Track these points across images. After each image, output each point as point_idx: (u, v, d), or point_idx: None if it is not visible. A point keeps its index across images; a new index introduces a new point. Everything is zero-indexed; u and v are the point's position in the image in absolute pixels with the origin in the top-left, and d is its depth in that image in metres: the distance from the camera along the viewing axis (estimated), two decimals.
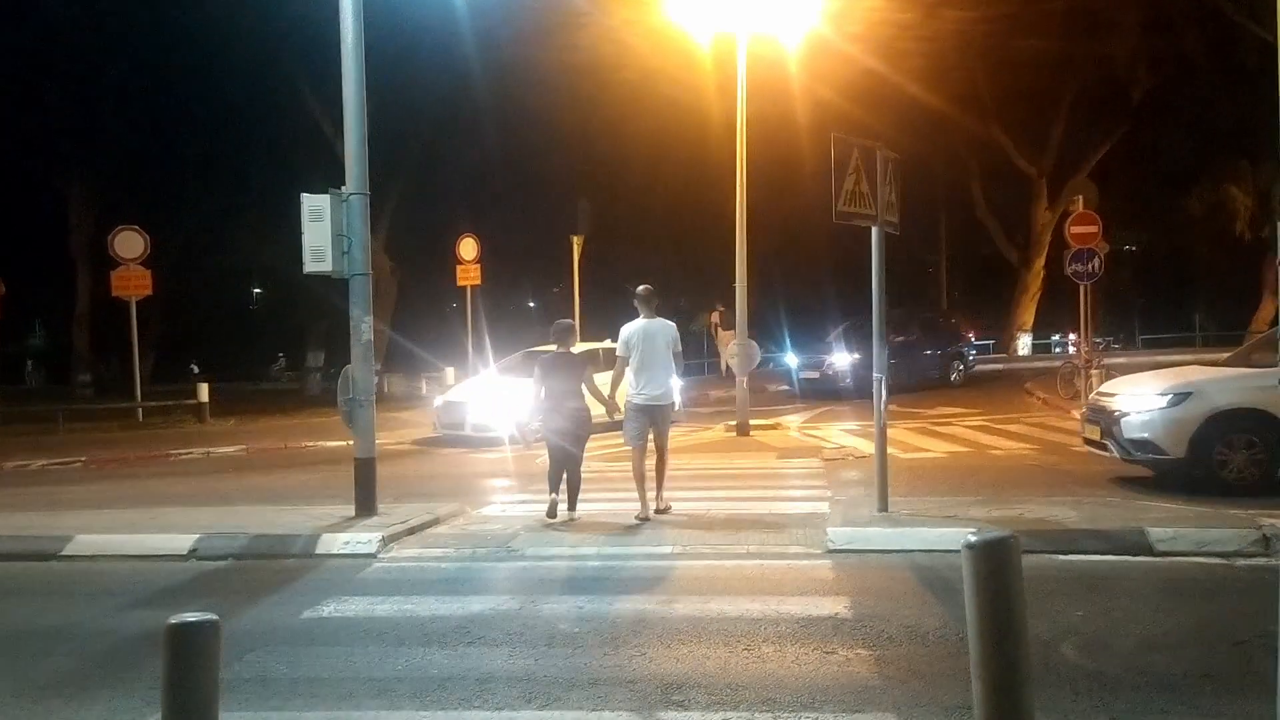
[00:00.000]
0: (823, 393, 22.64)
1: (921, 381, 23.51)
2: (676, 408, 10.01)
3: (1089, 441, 11.43)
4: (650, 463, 9.74)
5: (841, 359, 23.23)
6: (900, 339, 23.32)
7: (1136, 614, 6.18)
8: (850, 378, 22.54)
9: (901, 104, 26.82)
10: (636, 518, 9.39)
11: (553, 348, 9.93)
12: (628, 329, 9.62)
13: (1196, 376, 11.01)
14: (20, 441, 19.28)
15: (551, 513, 9.41)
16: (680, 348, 9.72)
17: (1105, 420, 10.89)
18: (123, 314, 22.82)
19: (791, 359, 20.82)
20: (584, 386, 9.60)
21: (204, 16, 24.17)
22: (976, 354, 27.84)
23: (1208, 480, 10.04)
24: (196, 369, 40.41)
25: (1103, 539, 7.78)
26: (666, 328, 9.62)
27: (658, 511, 9.59)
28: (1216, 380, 10.67)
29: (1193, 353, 25.93)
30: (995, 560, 3.49)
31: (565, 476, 9.52)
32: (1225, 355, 12.44)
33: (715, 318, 29.15)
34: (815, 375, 23.53)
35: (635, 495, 9.49)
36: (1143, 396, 10.66)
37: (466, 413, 17.24)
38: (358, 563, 8.22)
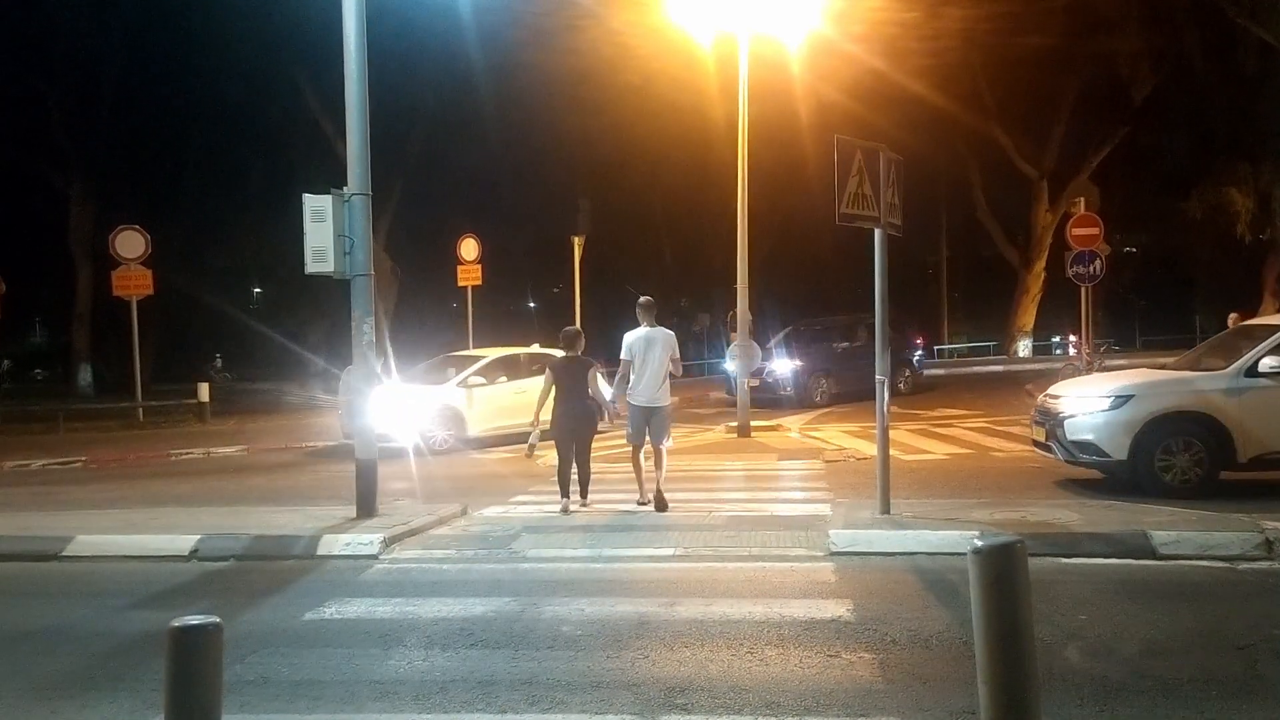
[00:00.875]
0: (761, 402, 20.50)
1: (864, 391, 21.73)
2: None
3: (1036, 444, 11.47)
4: (650, 461, 10.28)
5: (782, 366, 22.05)
6: (845, 345, 22.75)
7: (1140, 618, 6.17)
8: (791, 385, 21.68)
9: (903, 104, 26.83)
10: (638, 503, 10.17)
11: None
12: (630, 336, 10.14)
13: (1139, 379, 11.14)
14: (20, 441, 19.28)
15: (565, 512, 9.97)
16: (679, 354, 10.28)
17: (1050, 422, 10.94)
18: (123, 313, 22.82)
19: (730, 365, 19.34)
20: (589, 387, 10.19)
21: (206, 16, 24.21)
22: (925, 360, 26.57)
23: (1150, 482, 10.09)
24: (219, 363, 40.55)
25: (1106, 542, 7.77)
26: (666, 336, 10.20)
27: (656, 504, 9.99)
28: (1159, 383, 10.78)
29: None
30: (1001, 565, 3.48)
31: (576, 470, 10.13)
32: (1172, 359, 12.49)
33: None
34: (754, 383, 20.82)
35: (627, 495, 10.25)
36: (1086, 399, 10.74)
37: None
38: (359, 564, 8.21)
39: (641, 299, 10.33)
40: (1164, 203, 35.79)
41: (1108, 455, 10.33)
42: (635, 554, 8.25)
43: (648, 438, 10.12)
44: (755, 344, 18.30)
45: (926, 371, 26.60)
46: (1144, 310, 45.13)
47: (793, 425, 18.33)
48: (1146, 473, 10.12)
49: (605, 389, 11.02)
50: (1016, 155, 33.43)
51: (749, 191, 17.66)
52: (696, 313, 43.58)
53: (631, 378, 10.10)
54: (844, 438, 16.23)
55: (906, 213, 9.36)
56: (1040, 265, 35.12)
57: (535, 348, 18.16)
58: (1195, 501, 9.28)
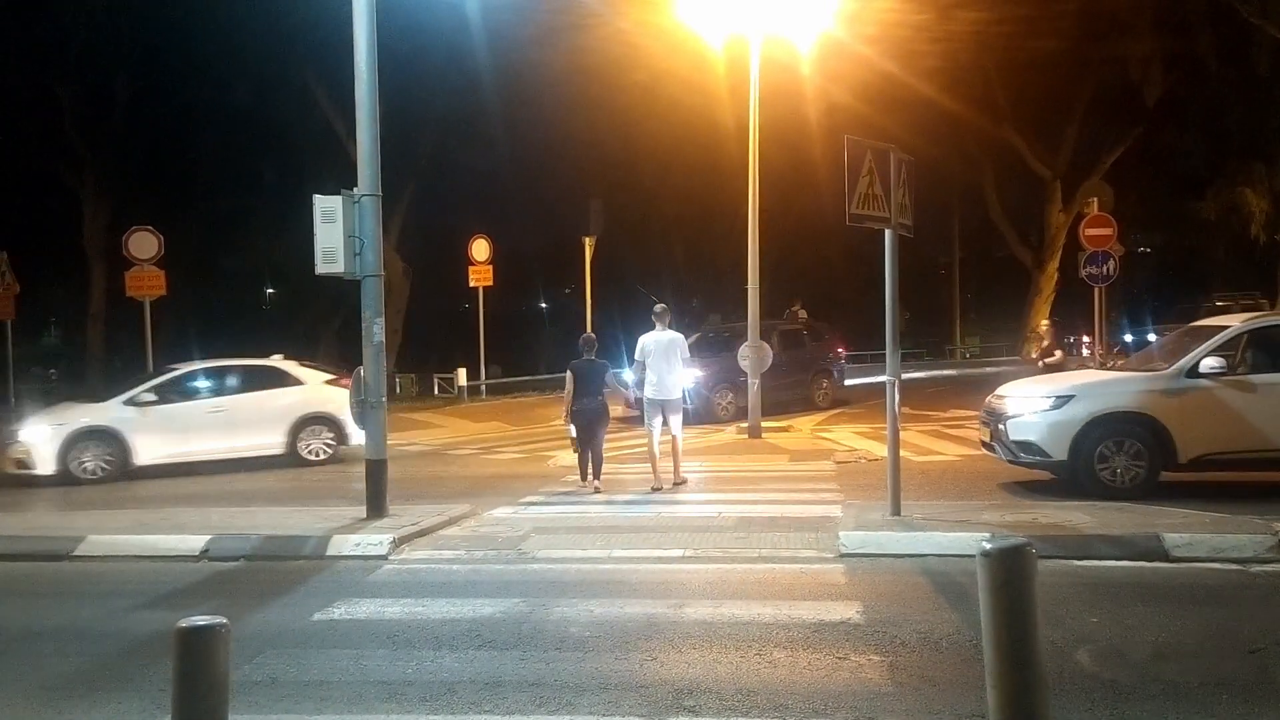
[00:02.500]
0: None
1: (777, 405, 18.78)
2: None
3: (984, 444, 11.47)
4: (666, 447, 11.69)
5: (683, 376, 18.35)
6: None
7: (1151, 621, 6.13)
8: (692, 397, 16.65)
9: (915, 106, 26.75)
10: (651, 489, 11.36)
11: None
12: (646, 339, 11.59)
13: (1080, 380, 11.22)
14: None
15: (587, 488, 11.49)
16: (689, 355, 11.84)
17: (994, 422, 10.95)
18: (136, 313, 22.90)
19: (628, 375, 16.84)
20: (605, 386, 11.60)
21: (217, 18, 24.27)
22: (844, 369, 23.10)
23: (1089, 483, 10.08)
24: None
25: (1117, 545, 7.73)
26: (677, 339, 11.67)
27: (676, 484, 11.52)
28: (1099, 384, 10.83)
29: None
30: (1010, 568, 3.46)
31: (591, 455, 11.46)
32: (1126, 360, 12.49)
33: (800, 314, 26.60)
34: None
35: (637, 496, 10.96)
36: (1029, 399, 10.77)
37: None
38: (369, 564, 8.22)
39: (656, 306, 11.92)
40: (1178, 203, 35.59)
41: (1049, 455, 10.34)
42: (644, 555, 8.24)
43: (664, 426, 11.51)
44: (767, 345, 18.26)
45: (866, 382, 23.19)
46: (1158, 310, 44.91)
47: (804, 426, 18.27)
48: (1086, 473, 10.13)
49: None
50: (1030, 156, 33.29)
51: (760, 193, 17.62)
52: (708, 313, 43.51)
53: (648, 375, 11.44)
54: (855, 439, 16.17)
55: (918, 213, 9.33)
56: (1053, 266, 34.95)
57: (276, 359, 16.17)
58: (1144, 502, 9.30)
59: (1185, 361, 10.18)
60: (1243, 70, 27.06)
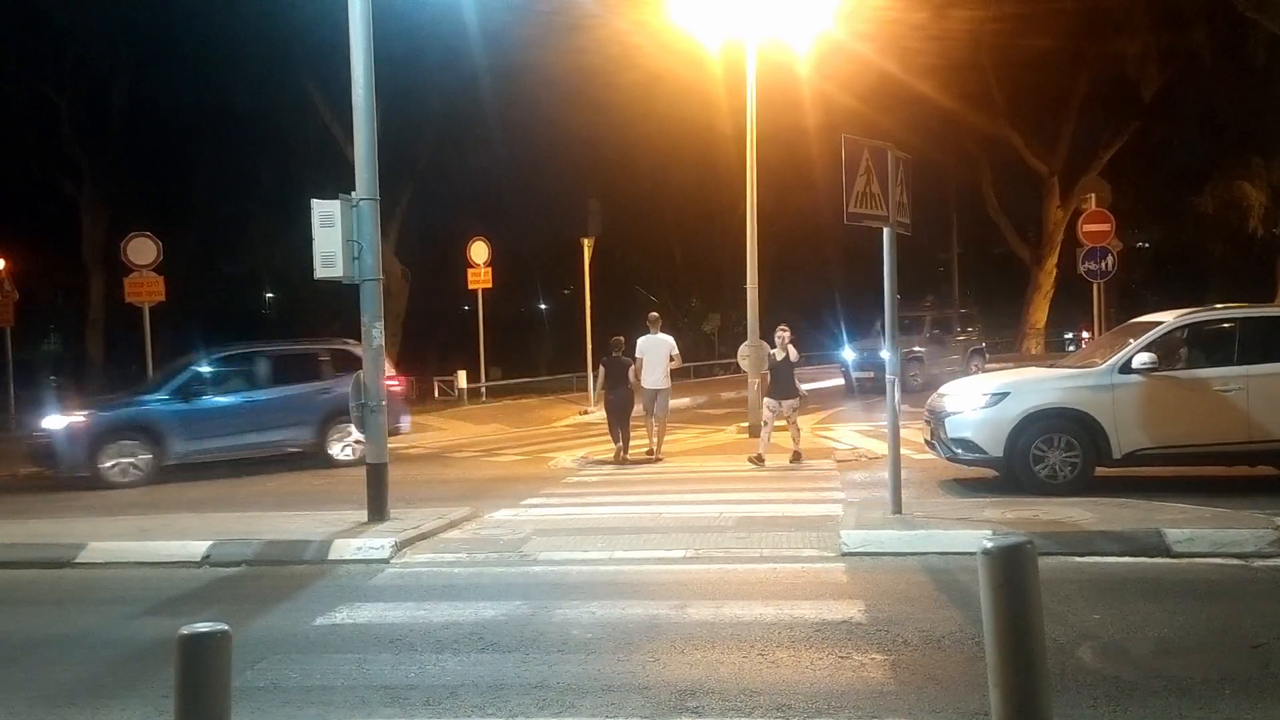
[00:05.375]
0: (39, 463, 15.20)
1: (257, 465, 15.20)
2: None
3: (926, 443, 11.54)
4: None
5: (57, 422, 14.47)
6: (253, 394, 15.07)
7: (1153, 617, 6.13)
8: (74, 452, 14.02)
9: (912, 104, 26.74)
10: (646, 452, 14.45)
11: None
12: (642, 340, 14.51)
13: (1016, 377, 11.39)
14: None
15: (617, 456, 14.33)
16: (677, 353, 14.62)
17: (934, 421, 11.03)
18: (135, 319, 22.90)
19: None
20: (630, 375, 14.33)
21: (215, 24, 24.26)
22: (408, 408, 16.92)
23: (1025, 478, 10.16)
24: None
25: (1119, 540, 7.73)
26: (666, 340, 14.56)
27: (652, 455, 14.37)
28: (1034, 380, 10.98)
29: None
30: (1011, 566, 3.46)
31: (621, 432, 14.34)
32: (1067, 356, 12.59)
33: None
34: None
35: (641, 498, 11.21)
36: (966, 396, 10.86)
37: None
38: (370, 568, 8.22)
39: (651, 314, 15.22)
40: (1176, 197, 35.57)
41: (984, 452, 10.43)
42: (646, 556, 8.24)
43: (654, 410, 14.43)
44: (765, 344, 18.25)
45: None
46: (1157, 305, 44.85)
47: (804, 426, 18.25)
48: (1022, 468, 10.21)
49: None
50: (1027, 152, 33.27)
51: (758, 192, 17.63)
52: (707, 313, 43.54)
53: (643, 370, 14.28)
54: (856, 437, 16.19)
55: (916, 211, 9.34)
56: (1052, 262, 34.94)
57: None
58: (1085, 497, 9.36)
59: (1119, 358, 10.28)
60: (1238, 64, 27.05)
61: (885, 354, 9.19)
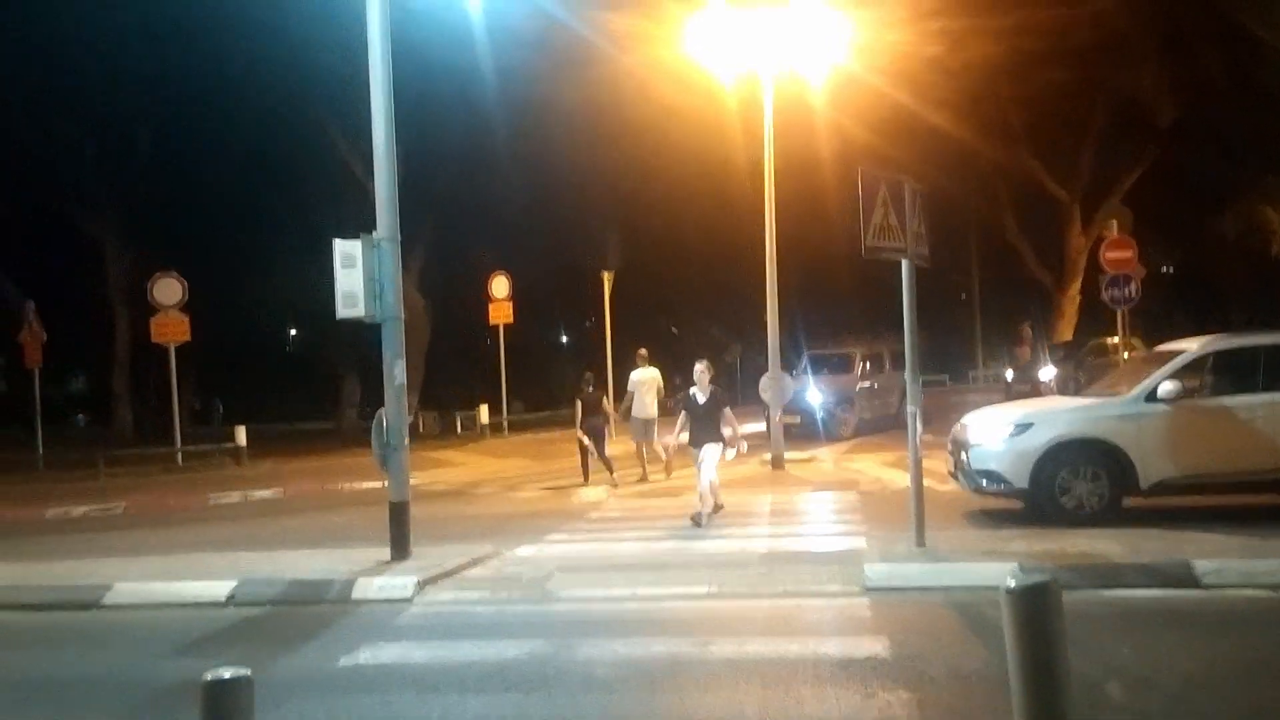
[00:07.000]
0: None
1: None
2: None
3: (950, 473, 11.39)
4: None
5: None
6: None
7: (1183, 650, 6.06)
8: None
9: (928, 134, 26.73)
10: (638, 480, 15.49)
11: None
12: (635, 374, 16.29)
13: (1040, 406, 11.26)
14: (63, 488, 19.50)
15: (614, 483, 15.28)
16: (662, 384, 16.41)
17: (958, 451, 10.90)
18: (161, 357, 23.15)
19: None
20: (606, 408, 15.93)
21: (238, 66, 24.64)
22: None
23: (1051, 510, 10.01)
24: (221, 408, 40.47)
25: (1147, 573, 7.64)
26: (655, 374, 16.30)
27: (641, 479, 15.53)
28: (1059, 410, 10.90)
29: None
30: (1036, 605, 3.44)
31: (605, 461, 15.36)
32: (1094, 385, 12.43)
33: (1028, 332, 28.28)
34: None
35: (663, 532, 11.08)
36: (990, 427, 10.73)
37: None
38: (394, 607, 8.22)
39: (640, 350, 16.96)
40: (1198, 222, 35.38)
41: (1009, 483, 10.31)
42: (669, 593, 8.20)
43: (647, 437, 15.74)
44: (788, 375, 18.24)
45: None
46: (1182, 328, 44.45)
47: (827, 457, 18.21)
48: (1047, 500, 10.07)
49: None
50: (1047, 179, 33.17)
51: (777, 223, 17.69)
52: (729, 342, 43.49)
53: (636, 401, 15.89)
54: (880, 468, 16.10)
55: (935, 240, 9.34)
56: (1075, 288, 34.73)
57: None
58: (1112, 529, 9.22)
59: (1144, 386, 10.17)
60: (1255, 88, 26.95)
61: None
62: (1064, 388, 22.77)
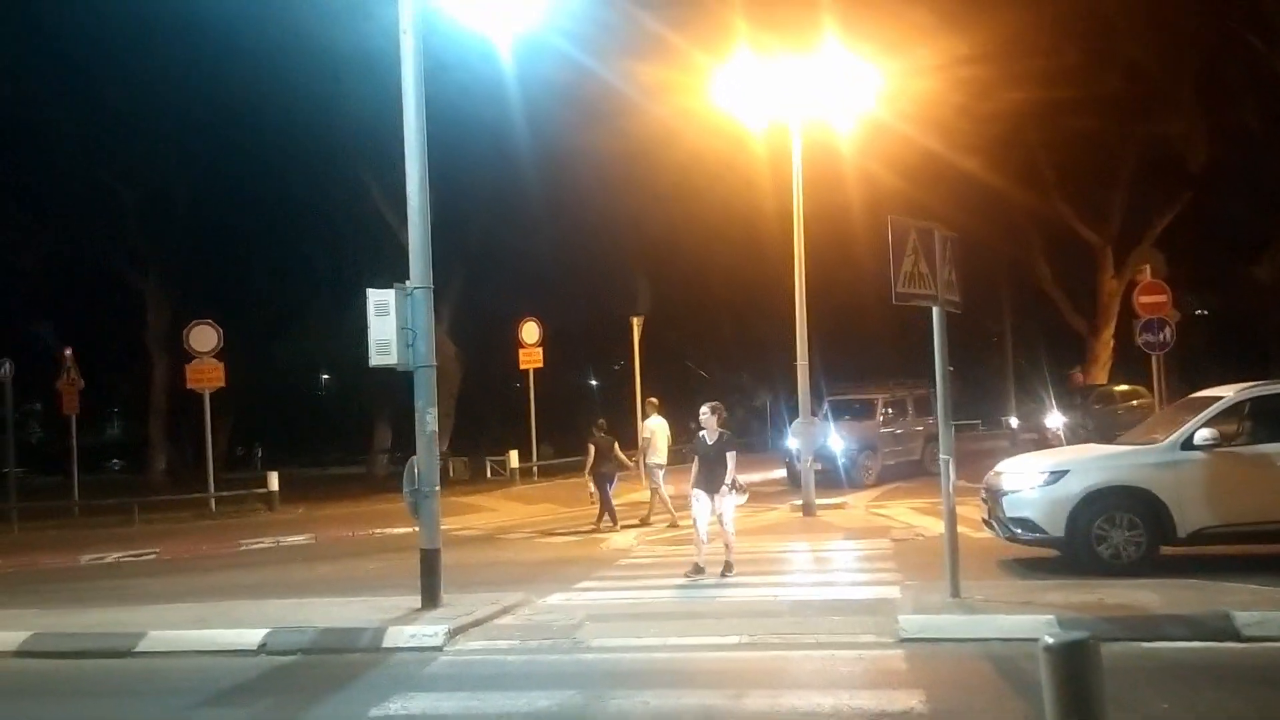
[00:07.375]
0: None
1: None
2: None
3: (984, 521, 11.22)
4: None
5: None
6: None
7: (1224, 705, 5.94)
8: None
9: (958, 180, 26.76)
10: (667, 524, 15.76)
11: None
12: (649, 422, 16.85)
13: (1075, 454, 11.16)
14: (98, 534, 19.69)
15: (604, 528, 15.92)
16: (669, 432, 16.92)
17: (991, 499, 10.77)
18: (196, 404, 23.40)
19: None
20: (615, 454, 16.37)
21: (274, 118, 25.14)
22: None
23: (1087, 559, 9.88)
24: (260, 453, 40.74)
25: (1187, 625, 7.50)
26: (663, 423, 16.77)
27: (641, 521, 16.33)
28: (1095, 458, 10.75)
29: None
30: (1075, 662, 3.41)
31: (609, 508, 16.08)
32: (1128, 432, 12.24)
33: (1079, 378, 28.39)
34: None
35: (686, 579, 11.04)
36: (1024, 475, 10.62)
37: None
38: (424, 656, 8.20)
39: (650, 399, 17.56)
40: (1233, 266, 35.05)
41: (1045, 531, 10.18)
42: (701, 643, 8.14)
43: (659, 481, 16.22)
44: (815, 420, 18.17)
45: None
46: (1219, 374, 43.88)
47: (859, 503, 18.08)
48: (1084, 549, 9.95)
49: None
50: (1079, 224, 33.03)
51: (806, 269, 17.74)
52: (757, 389, 43.44)
53: (651, 448, 16.52)
54: (911, 514, 15.96)
55: (966, 285, 9.31)
56: (1109, 333, 34.44)
57: None
58: (1150, 578, 9.08)
59: (1180, 434, 10.06)
60: None
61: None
62: (1072, 435, 22.58)
